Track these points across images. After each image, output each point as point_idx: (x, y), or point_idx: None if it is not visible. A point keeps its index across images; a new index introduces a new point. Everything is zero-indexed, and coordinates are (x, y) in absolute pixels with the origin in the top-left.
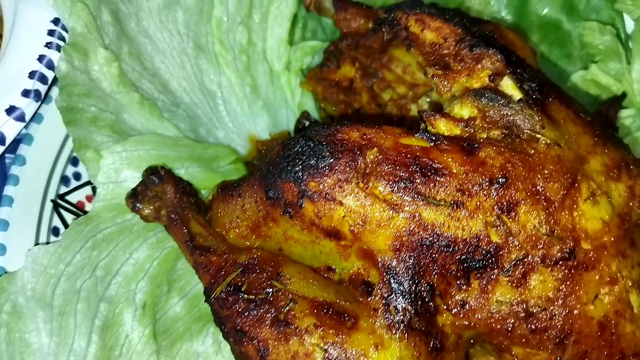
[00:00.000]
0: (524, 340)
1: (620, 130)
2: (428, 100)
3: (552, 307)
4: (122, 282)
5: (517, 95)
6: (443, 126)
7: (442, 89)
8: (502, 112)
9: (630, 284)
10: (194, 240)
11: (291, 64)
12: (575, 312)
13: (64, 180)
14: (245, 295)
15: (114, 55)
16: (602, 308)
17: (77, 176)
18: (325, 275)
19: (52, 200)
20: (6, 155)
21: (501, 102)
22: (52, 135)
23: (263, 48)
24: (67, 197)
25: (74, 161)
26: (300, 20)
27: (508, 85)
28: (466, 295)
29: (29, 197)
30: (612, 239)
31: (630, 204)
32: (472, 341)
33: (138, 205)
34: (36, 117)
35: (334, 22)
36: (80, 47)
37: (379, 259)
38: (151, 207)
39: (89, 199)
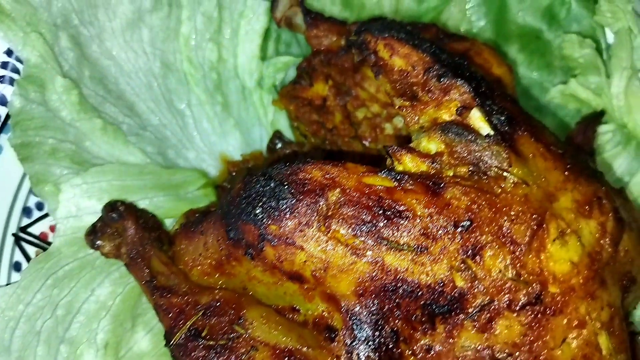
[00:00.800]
0: None
1: (599, 147)
2: (402, 120)
3: (518, 353)
4: (84, 321)
5: (485, 129)
6: (409, 162)
7: (410, 121)
8: (469, 148)
9: (599, 326)
10: (155, 280)
11: (264, 80)
12: (542, 357)
13: (26, 211)
14: (205, 342)
15: (73, 83)
16: (570, 353)
17: (39, 206)
18: (290, 315)
19: (13, 234)
20: None
21: (468, 137)
22: (13, 165)
23: (234, 64)
24: (30, 229)
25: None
26: (274, 34)
27: (477, 117)
28: (431, 340)
29: None
30: (581, 280)
31: (602, 241)
32: None
33: (98, 242)
34: None
35: (306, 39)
36: (36, 78)
37: (342, 304)
38: (111, 244)
39: (53, 228)
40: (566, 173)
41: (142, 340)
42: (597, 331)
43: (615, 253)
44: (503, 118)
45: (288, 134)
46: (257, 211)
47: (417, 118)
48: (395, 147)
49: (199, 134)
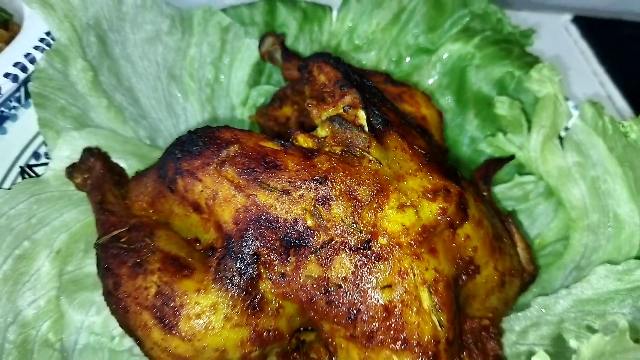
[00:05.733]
0: (325, 312)
1: (521, 197)
2: None
3: (346, 286)
4: (48, 230)
5: (362, 124)
6: (301, 140)
7: (315, 116)
8: (346, 134)
9: (420, 281)
10: (103, 204)
11: (248, 101)
12: (363, 293)
13: (36, 155)
14: (121, 245)
15: (91, 66)
16: (390, 295)
17: (47, 155)
18: (193, 245)
19: (20, 167)
20: None
21: (346, 126)
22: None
23: (227, 86)
24: (34, 169)
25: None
26: (267, 71)
27: (361, 116)
28: (285, 268)
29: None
30: (410, 241)
31: (439, 220)
32: (301, 329)
33: (73, 174)
34: (11, 117)
35: (282, 71)
36: (62, 53)
37: (224, 228)
38: (81, 177)
39: None
40: (421, 165)
41: (91, 265)
42: (418, 285)
43: (452, 235)
44: (380, 120)
45: None
46: (176, 152)
47: (319, 114)
48: (294, 129)
49: None
